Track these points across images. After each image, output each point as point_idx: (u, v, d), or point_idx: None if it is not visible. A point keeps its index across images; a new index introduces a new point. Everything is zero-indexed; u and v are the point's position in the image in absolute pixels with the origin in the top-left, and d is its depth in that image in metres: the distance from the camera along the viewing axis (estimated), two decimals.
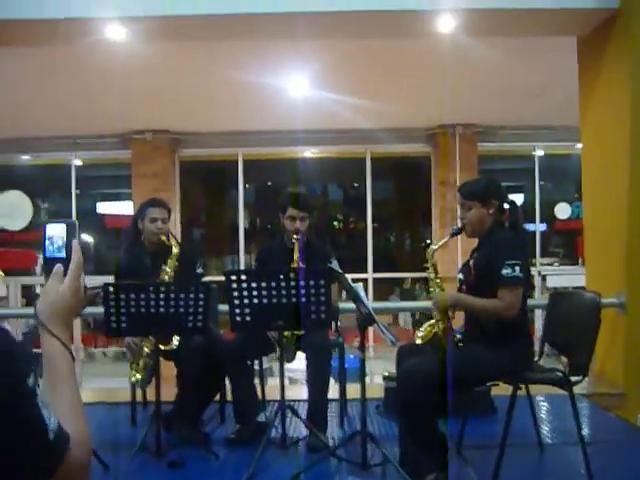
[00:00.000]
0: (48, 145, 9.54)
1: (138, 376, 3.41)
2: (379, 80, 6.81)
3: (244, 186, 9.73)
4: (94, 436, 2.91)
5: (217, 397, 3.74)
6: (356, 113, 7.83)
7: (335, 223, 13.48)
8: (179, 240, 3.74)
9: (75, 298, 1.05)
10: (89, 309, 3.31)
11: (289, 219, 3.48)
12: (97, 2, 4.18)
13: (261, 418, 3.48)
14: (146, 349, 3.38)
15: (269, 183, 12.19)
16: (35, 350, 1.10)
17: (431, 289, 2.92)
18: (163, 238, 3.50)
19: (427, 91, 7.03)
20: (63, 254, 1.11)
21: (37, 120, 8.07)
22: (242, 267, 9.14)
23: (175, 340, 3.30)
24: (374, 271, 9.49)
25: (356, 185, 12.51)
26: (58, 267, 1.07)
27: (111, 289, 2.93)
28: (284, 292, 2.93)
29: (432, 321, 2.90)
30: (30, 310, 8.69)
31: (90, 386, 7.52)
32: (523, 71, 6.32)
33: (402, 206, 12.50)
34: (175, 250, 3.47)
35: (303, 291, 2.92)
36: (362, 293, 2.74)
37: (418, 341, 2.87)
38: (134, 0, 4.23)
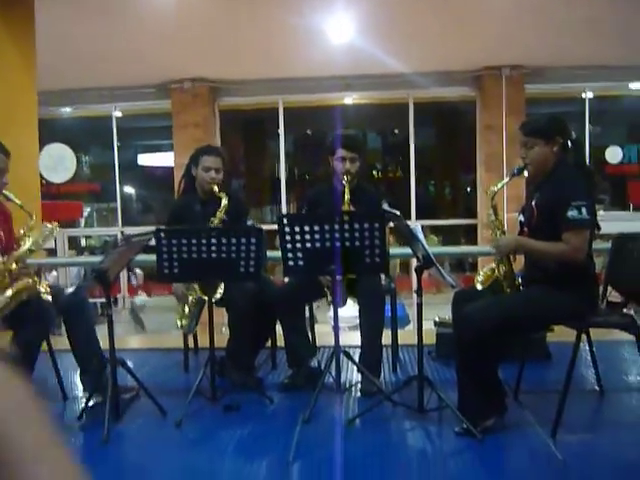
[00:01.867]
0: (88, 97, 9.55)
1: (183, 322, 3.42)
2: (423, 21, 6.56)
3: (287, 135, 9.61)
4: (149, 381, 2.93)
5: (268, 343, 3.75)
6: (399, 57, 7.60)
7: (374, 172, 13.27)
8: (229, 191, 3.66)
9: None
10: (140, 256, 3.29)
11: (339, 160, 3.39)
12: None
13: (314, 363, 3.47)
14: (191, 297, 3.37)
15: (308, 132, 12.03)
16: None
17: (491, 232, 2.81)
18: (215, 189, 3.44)
19: (472, 31, 6.76)
20: None
21: (78, 71, 8.04)
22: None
23: (220, 291, 3.27)
24: (417, 219, 9.36)
25: (396, 132, 12.27)
26: None
27: (163, 234, 2.90)
28: (337, 235, 2.86)
29: (492, 265, 2.80)
30: (77, 259, 8.92)
31: (139, 334, 7.67)
32: (572, 4, 6.00)
33: (443, 153, 12.23)
34: (224, 202, 3.41)
35: (357, 234, 2.84)
36: (421, 235, 2.66)
37: (478, 286, 2.78)
38: None
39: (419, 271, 2.76)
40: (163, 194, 12.06)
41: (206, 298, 3.18)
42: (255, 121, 11.15)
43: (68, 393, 3.38)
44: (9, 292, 2.81)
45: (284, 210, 9.45)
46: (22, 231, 3.06)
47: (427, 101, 9.85)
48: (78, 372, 3.24)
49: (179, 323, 3.46)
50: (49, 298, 2.98)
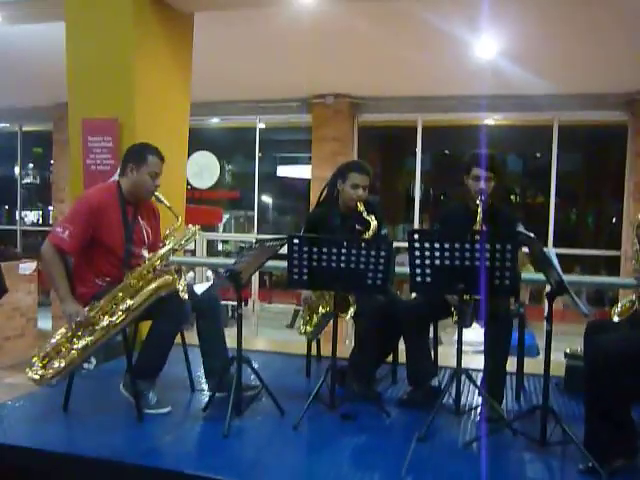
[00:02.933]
0: (235, 108, 10.04)
1: (308, 328, 3.50)
2: (572, 43, 6.31)
3: (424, 154, 9.56)
4: (271, 383, 3.02)
5: (390, 358, 3.75)
6: (545, 78, 7.36)
7: (512, 196, 12.85)
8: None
9: None
10: (270, 262, 3.42)
11: (473, 179, 3.34)
12: None
13: (434, 382, 3.43)
14: (321, 309, 3.44)
15: (446, 151, 11.90)
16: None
17: (634, 263, 2.65)
18: (361, 207, 3.48)
19: (625, 53, 6.40)
20: None
21: (226, 84, 8.49)
22: None
23: (351, 311, 3.32)
24: (554, 247, 8.95)
25: (538, 155, 11.84)
26: None
27: (295, 241, 3.00)
28: (467, 254, 2.83)
29: (632, 297, 2.64)
30: (213, 260, 9.43)
31: (265, 337, 7.93)
32: None
33: (588, 179, 11.62)
34: (373, 224, 3.44)
35: (487, 255, 2.79)
36: (555, 260, 2.56)
37: (615, 318, 2.63)
38: None
39: (551, 297, 2.65)
40: (298, 204, 12.41)
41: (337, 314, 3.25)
42: (393, 138, 11.18)
43: (196, 385, 3.56)
44: (152, 286, 3.02)
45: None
46: (168, 231, 3.28)
47: (573, 124, 9.43)
48: (203, 370, 3.41)
49: (303, 329, 3.54)
50: (185, 296, 3.17)
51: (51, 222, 12.88)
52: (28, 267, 9.74)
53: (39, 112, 10.79)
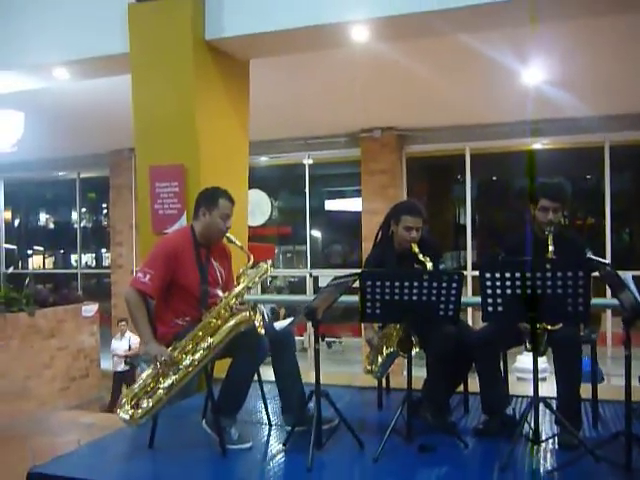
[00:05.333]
0: (283, 146, 10.26)
1: (374, 367, 3.55)
2: (617, 66, 6.33)
3: (471, 181, 9.60)
4: (346, 415, 3.07)
5: (460, 387, 3.77)
6: (593, 101, 7.37)
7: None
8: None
9: None
10: (343, 297, 3.51)
11: (541, 210, 3.38)
12: (345, 6, 4.41)
13: (509, 411, 3.44)
14: (386, 349, 3.50)
15: (494, 178, 11.90)
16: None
17: None
18: (415, 249, 3.55)
19: None
20: None
21: (275, 123, 8.70)
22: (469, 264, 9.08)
23: (415, 349, 3.38)
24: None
25: (588, 177, 11.72)
26: None
27: (368, 276, 3.09)
28: (539, 283, 2.87)
29: None
30: (266, 297, 9.55)
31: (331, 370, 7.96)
32: None
33: None
34: (429, 265, 3.50)
35: (559, 282, 2.83)
36: (632, 284, 2.58)
37: None
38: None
39: (627, 322, 2.67)
40: (347, 238, 12.53)
41: (402, 353, 3.32)
42: (440, 167, 11.26)
43: (272, 419, 3.65)
44: (230, 323, 3.13)
45: (469, 257, 9.38)
46: (241, 270, 3.39)
47: (623, 144, 9.35)
48: (280, 406, 3.50)
49: (368, 368, 3.59)
50: (262, 331, 3.27)
51: (105, 264, 13.26)
52: (90, 309, 10.04)
53: (96, 159, 11.24)
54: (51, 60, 5.43)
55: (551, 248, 3.21)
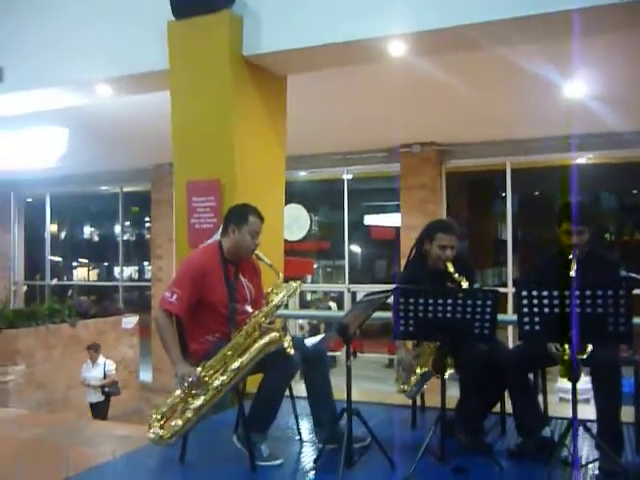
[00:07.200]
0: (322, 161, 10.29)
1: (406, 387, 3.48)
2: None
3: (512, 196, 9.45)
4: (378, 434, 3.01)
5: (497, 407, 3.68)
6: (636, 114, 7.18)
7: (606, 235, 12.40)
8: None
9: None
10: (377, 313, 3.46)
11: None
12: (382, 21, 4.40)
13: (545, 432, 3.34)
14: (419, 369, 3.44)
15: (536, 193, 11.70)
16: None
17: None
18: (450, 270, 3.47)
19: None
20: None
21: (314, 138, 8.74)
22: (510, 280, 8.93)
23: (450, 371, 3.29)
24: None
25: (634, 192, 11.46)
26: None
27: (402, 293, 3.04)
28: (567, 302, 2.78)
29: None
30: (302, 312, 9.53)
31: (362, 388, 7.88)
32: None
33: None
34: (464, 285, 3.42)
35: (599, 301, 2.74)
36: None
37: None
38: (421, 14, 4.35)
39: None
40: (386, 252, 12.46)
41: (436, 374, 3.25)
42: (480, 182, 11.12)
43: (304, 436, 3.62)
44: (260, 343, 3.10)
45: (509, 273, 9.22)
46: (270, 288, 3.36)
47: None
48: (312, 422, 3.46)
49: (400, 387, 3.53)
50: (292, 351, 3.21)
51: (146, 277, 13.47)
52: (130, 321, 10.20)
53: (139, 174, 11.46)
54: (94, 77, 5.57)
55: (574, 267, 3.10)
